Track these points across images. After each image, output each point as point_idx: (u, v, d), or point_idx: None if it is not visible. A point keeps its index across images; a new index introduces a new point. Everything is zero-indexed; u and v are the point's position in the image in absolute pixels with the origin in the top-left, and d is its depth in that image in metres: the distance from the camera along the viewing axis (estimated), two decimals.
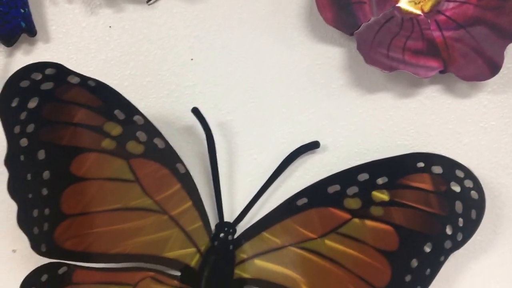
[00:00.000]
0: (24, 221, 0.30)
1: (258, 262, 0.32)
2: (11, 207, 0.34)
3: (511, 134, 0.33)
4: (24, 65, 0.30)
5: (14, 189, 0.29)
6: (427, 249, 0.30)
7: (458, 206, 0.30)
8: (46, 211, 0.30)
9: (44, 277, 0.30)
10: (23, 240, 0.34)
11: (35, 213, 0.30)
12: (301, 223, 0.32)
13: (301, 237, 0.32)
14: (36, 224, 0.30)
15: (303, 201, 0.32)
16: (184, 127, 0.34)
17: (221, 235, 0.32)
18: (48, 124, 0.30)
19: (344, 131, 0.34)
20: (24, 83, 0.30)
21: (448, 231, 0.30)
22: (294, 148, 0.33)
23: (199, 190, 0.32)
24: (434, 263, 0.30)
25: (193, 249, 0.32)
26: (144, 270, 0.32)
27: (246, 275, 0.33)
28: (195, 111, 0.33)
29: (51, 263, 0.31)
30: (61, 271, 0.31)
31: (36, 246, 0.30)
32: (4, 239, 0.34)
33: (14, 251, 0.34)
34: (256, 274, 0.32)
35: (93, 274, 0.31)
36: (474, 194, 0.30)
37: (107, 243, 0.31)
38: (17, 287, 0.32)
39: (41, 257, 0.32)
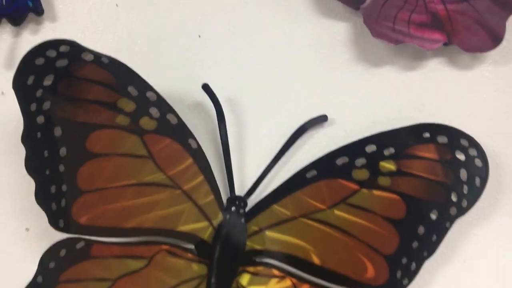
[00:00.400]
0: (42, 198, 0.30)
1: (269, 233, 0.33)
2: (23, 186, 0.35)
3: None
4: (36, 43, 0.30)
5: (31, 166, 0.30)
6: (433, 216, 0.32)
7: (463, 174, 0.31)
8: (63, 187, 0.30)
9: (62, 252, 0.31)
10: (36, 219, 0.35)
11: (53, 189, 0.30)
12: (310, 194, 0.33)
13: (311, 208, 0.33)
14: (54, 200, 0.30)
15: (312, 173, 0.33)
16: (194, 104, 0.35)
17: (233, 208, 0.33)
18: (63, 101, 0.30)
19: (350, 104, 0.35)
20: (39, 61, 0.30)
21: (453, 198, 0.31)
22: (302, 123, 0.34)
23: (210, 166, 0.33)
24: (440, 230, 0.32)
25: (206, 223, 0.33)
26: (159, 243, 0.33)
27: (258, 247, 0.34)
28: (206, 88, 0.33)
29: (69, 238, 0.31)
30: (79, 245, 0.31)
31: (54, 222, 0.31)
32: (17, 218, 0.35)
33: (27, 229, 0.35)
34: (268, 245, 0.33)
35: (110, 248, 0.32)
36: (478, 162, 0.31)
37: (123, 218, 0.32)
38: (32, 265, 0.33)
39: (54, 235, 0.33)
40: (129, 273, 0.32)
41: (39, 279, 0.30)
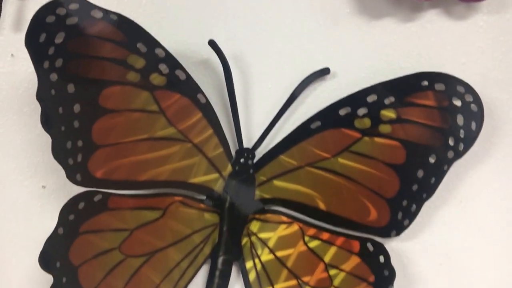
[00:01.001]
0: (59, 153, 0.31)
1: (277, 183, 0.35)
2: (38, 146, 0.36)
3: (505, 52, 0.36)
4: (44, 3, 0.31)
5: (47, 123, 0.31)
6: (432, 160, 0.33)
7: (460, 119, 0.33)
8: (79, 142, 0.32)
9: (81, 205, 0.32)
10: (52, 177, 0.37)
11: (69, 144, 0.31)
12: (315, 144, 0.34)
13: (316, 157, 0.34)
14: (70, 155, 0.31)
15: (316, 124, 0.34)
16: (200, 60, 0.36)
17: (241, 160, 0.35)
18: (75, 58, 0.31)
19: (351, 57, 0.36)
20: (50, 19, 0.30)
21: (451, 142, 0.33)
22: (305, 76, 0.35)
23: (219, 120, 0.34)
24: (438, 172, 0.34)
25: (216, 175, 0.35)
26: (173, 195, 0.34)
27: (266, 196, 0.35)
28: (212, 44, 0.34)
29: (87, 191, 0.33)
30: (96, 198, 0.33)
31: (71, 176, 0.32)
32: (34, 176, 0.36)
33: (43, 187, 0.36)
34: (276, 194, 0.35)
35: (126, 200, 0.33)
36: (473, 107, 0.33)
37: (137, 171, 0.33)
38: (49, 221, 0.34)
39: (69, 192, 0.34)
40: (145, 223, 0.34)
41: (60, 230, 0.32)
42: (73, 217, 0.32)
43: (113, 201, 0.33)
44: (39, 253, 0.33)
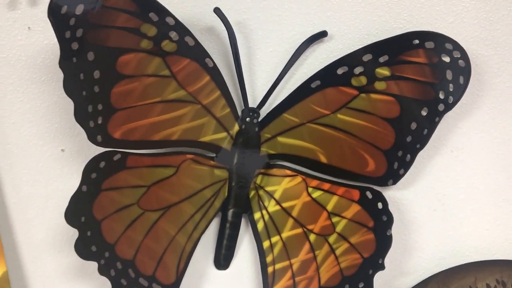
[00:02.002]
0: (81, 117, 0.34)
1: (281, 139, 0.38)
2: (56, 111, 0.39)
3: (488, 11, 0.38)
4: None
5: (69, 88, 0.33)
6: (424, 113, 0.36)
7: (448, 74, 0.36)
8: (99, 106, 0.34)
9: (102, 164, 0.35)
10: (70, 141, 0.39)
11: (90, 108, 0.34)
12: (315, 102, 0.37)
13: (317, 114, 0.37)
14: (91, 118, 0.34)
15: (316, 83, 0.37)
16: (205, 28, 0.38)
17: (247, 119, 0.37)
18: (94, 28, 0.33)
19: (347, 20, 0.38)
20: None
21: (441, 96, 0.36)
22: (304, 39, 0.38)
23: (226, 82, 0.37)
24: (430, 124, 0.36)
25: (224, 133, 0.37)
26: (185, 153, 0.37)
27: (271, 151, 0.38)
28: (217, 11, 0.36)
29: (107, 151, 0.35)
30: (115, 158, 0.35)
31: (92, 138, 0.34)
32: (53, 141, 0.38)
33: (63, 150, 0.39)
34: (280, 149, 0.38)
35: (143, 159, 0.36)
36: (461, 62, 0.36)
37: (152, 131, 0.35)
38: (68, 182, 0.38)
39: (87, 155, 0.37)
40: (160, 180, 0.36)
41: (84, 188, 0.34)
42: (95, 176, 0.34)
43: (131, 160, 0.36)
44: (59, 212, 0.36)
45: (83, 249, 0.34)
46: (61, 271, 0.39)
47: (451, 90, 0.36)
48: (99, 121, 0.34)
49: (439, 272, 0.38)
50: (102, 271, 0.35)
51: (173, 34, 0.35)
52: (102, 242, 0.35)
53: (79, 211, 0.34)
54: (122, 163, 0.35)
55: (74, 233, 0.36)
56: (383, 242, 0.36)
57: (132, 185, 0.36)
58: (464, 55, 0.35)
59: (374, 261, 0.36)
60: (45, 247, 0.39)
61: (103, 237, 0.35)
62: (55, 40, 0.33)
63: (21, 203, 0.39)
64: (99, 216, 0.35)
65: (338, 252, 0.37)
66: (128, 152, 0.36)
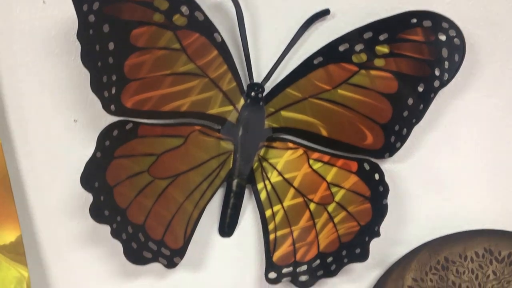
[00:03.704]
0: (96, 86, 0.35)
1: (284, 113, 0.39)
2: (69, 83, 0.40)
3: None
4: None
5: (86, 59, 0.35)
6: (420, 89, 0.38)
7: (444, 52, 0.37)
8: (113, 77, 0.35)
9: (115, 132, 0.36)
10: (83, 111, 0.41)
11: (105, 79, 0.35)
12: (317, 78, 0.39)
13: (318, 90, 0.39)
14: (106, 88, 0.35)
15: (318, 59, 0.38)
16: (214, 4, 0.39)
17: (252, 94, 0.39)
18: (110, 1, 0.35)
19: None
20: None
21: (437, 72, 0.38)
22: (308, 17, 0.39)
23: (233, 57, 0.38)
24: (426, 100, 0.38)
25: (230, 107, 0.39)
26: (193, 125, 0.39)
27: (275, 125, 0.40)
28: None
29: (120, 120, 0.37)
30: (128, 126, 0.37)
31: (106, 107, 0.36)
32: (66, 111, 0.40)
33: (75, 121, 0.40)
34: (283, 123, 0.40)
35: (154, 128, 0.38)
36: (456, 41, 0.37)
37: (162, 103, 0.37)
38: (80, 152, 0.39)
39: (99, 125, 0.38)
40: (169, 149, 0.38)
41: (98, 154, 0.36)
42: (108, 143, 0.36)
43: (142, 130, 0.37)
44: (71, 180, 0.38)
45: (97, 213, 0.36)
46: (72, 237, 0.41)
47: (446, 67, 0.37)
48: (113, 91, 0.36)
49: (430, 240, 0.40)
50: (115, 234, 0.37)
51: (184, 9, 0.36)
52: (115, 207, 0.37)
53: (93, 176, 0.36)
54: (134, 132, 0.37)
55: (85, 201, 0.38)
56: (379, 211, 0.39)
57: (143, 154, 0.37)
58: (459, 34, 0.37)
59: (371, 229, 0.39)
60: (57, 213, 0.41)
61: (116, 202, 0.37)
62: (69, 13, 0.35)
63: (35, 171, 0.40)
64: (112, 182, 0.36)
65: (336, 220, 0.39)
66: (140, 122, 0.37)
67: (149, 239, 0.38)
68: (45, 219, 0.41)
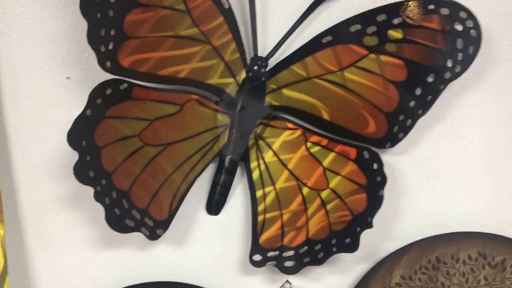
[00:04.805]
0: (93, 39, 0.33)
1: (285, 91, 0.38)
2: (63, 38, 0.38)
3: None
4: None
5: (85, 8, 0.33)
6: (430, 79, 0.36)
7: (459, 42, 0.36)
8: (112, 31, 0.34)
9: (108, 91, 0.35)
10: (77, 69, 0.39)
11: (102, 32, 0.33)
12: (324, 58, 0.37)
13: (324, 70, 0.37)
14: (103, 42, 0.34)
15: (327, 38, 0.37)
16: None
17: (255, 67, 0.38)
18: None
19: None
20: None
21: (449, 64, 0.36)
22: None
23: (238, 27, 0.36)
24: (435, 91, 0.37)
25: (231, 79, 0.38)
26: (190, 93, 0.37)
27: (275, 103, 0.38)
28: None
29: (114, 79, 0.35)
30: (122, 86, 0.35)
31: (101, 63, 0.34)
32: (59, 67, 0.38)
33: (68, 78, 0.38)
34: (284, 102, 0.38)
35: (149, 92, 0.36)
36: (473, 32, 0.36)
37: (160, 66, 0.35)
38: (71, 110, 0.37)
39: (93, 83, 0.36)
40: (163, 116, 0.36)
41: (88, 112, 0.34)
42: (100, 101, 0.35)
43: (137, 92, 0.36)
44: (59, 139, 0.36)
45: (81, 172, 0.35)
46: (54, 198, 0.39)
47: (459, 59, 0.36)
48: (110, 47, 0.34)
49: (423, 238, 0.39)
50: (98, 197, 0.35)
51: None
52: (100, 169, 0.35)
53: (81, 134, 0.34)
54: (128, 93, 0.35)
55: (70, 162, 0.36)
56: (374, 202, 0.37)
57: (136, 117, 0.36)
58: (477, 26, 0.36)
59: (363, 219, 0.37)
60: (40, 172, 0.39)
61: (102, 165, 0.35)
62: None
63: (21, 126, 0.39)
64: (100, 143, 0.35)
65: (329, 207, 0.38)
66: (135, 84, 0.36)
67: (133, 207, 0.36)
68: (27, 176, 0.39)
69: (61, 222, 0.39)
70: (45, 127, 0.39)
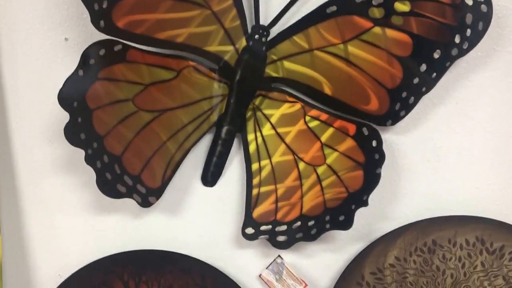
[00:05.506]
0: None
1: (287, 63, 0.37)
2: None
3: None
4: None
5: None
6: (436, 55, 0.35)
7: (469, 17, 0.34)
8: None
9: (102, 51, 0.34)
10: (75, 30, 0.38)
11: None
12: (328, 29, 0.36)
13: (327, 42, 0.36)
14: (97, 0, 0.33)
15: (332, 9, 0.36)
16: None
17: (256, 36, 0.36)
18: None
19: None
20: None
21: (457, 39, 0.35)
22: None
23: None
24: (440, 68, 0.35)
25: (230, 47, 0.36)
26: (188, 59, 0.36)
27: (275, 74, 0.37)
28: None
29: (108, 39, 0.34)
30: (116, 48, 0.34)
31: (95, 22, 0.33)
32: (57, 28, 0.38)
33: (66, 39, 0.38)
34: (285, 74, 0.37)
35: (144, 55, 0.35)
36: (483, 7, 0.34)
37: (157, 28, 0.34)
38: (69, 72, 0.35)
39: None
40: (159, 81, 0.36)
41: (80, 72, 0.34)
42: (93, 62, 0.34)
43: (131, 54, 0.35)
44: (56, 102, 0.34)
45: (72, 134, 0.34)
46: (49, 161, 0.39)
47: (468, 35, 0.34)
48: (104, 5, 0.33)
49: (420, 220, 0.38)
50: (89, 160, 0.35)
51: None
52: (92, 132, 0.34)
53: (72, 95, 0.34)
54: (122, 55, 0.35)
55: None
56: (371, 179, 0.36)
57: (130, 81, 0.35)
58: (488, 0, 0.34)
59: (359, 197, 0.36)
60: (37, 134, 0.39)
61: (93, 127, 0.34)
62: None
63: (18, 88, 0.38)
64: (92, 105, 0.34)
65: (324, 183, 0.37)
66: (130, 46, 0.35)
67: (125, 172, 0.36)
68: (24, 138, 0.39)
69: (56, 185, 0.39)
70: (42, 89, 0.38)
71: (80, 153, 0.35)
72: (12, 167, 0.39)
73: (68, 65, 0.38)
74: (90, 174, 0.36)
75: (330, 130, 0.37)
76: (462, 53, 0.35)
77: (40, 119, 0.38)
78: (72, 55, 0.38)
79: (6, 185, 0.39)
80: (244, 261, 0.40)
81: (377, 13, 0.35)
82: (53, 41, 0.38)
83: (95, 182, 0.36)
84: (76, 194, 0.39)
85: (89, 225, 0.40)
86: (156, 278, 0.38)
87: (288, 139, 0.37)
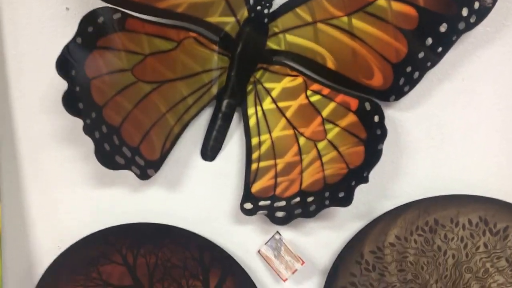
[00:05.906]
0: None
1: (289, 36, 0.36)
2: None
3: None
4: None
5: None
6: (442, 29, 0.34)
7: None
8: None
9: (100, 19, 0.34)
10: (76, 0, 0.39)
11: None
12: (331, 1, 0.35)
13: (330, 14, 0.35)
14: None
15: None
16: None
17: (258, 7, 0.36)
18: None
19: None
20: None
21: (464, 13, 0.34)
22: None
23: None
24: (446, 42, 0.34)
25: (232, 18, 0.36)
26: (188, 30, 0.36)
27: (276, 47, 0.37)
28: None
29: (107, 7, 0.34)
30: (115, 16, 0.34)
31: None
32: None
33: (67, 9, 0.38)
34: (287, 47, 0.36)
35: (144, 25, 0.35)
36: None
37: None
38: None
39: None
40: (158, 52, 0.35)
41: (78, 40, 0.33)
42: (92, 30, 0.33)
43: (130, 23, 0.34)
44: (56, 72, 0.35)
45: (70, 103, 0.34)
46: (49, 132, 0.39)
47: (475, 8, 0.33)
48: None
49: (422, 199, 0.37)
50: (87, 131, 0.34)
51: None
52: (90, 102, 0.34)
53: (70, 63, 0.33)
54: (121, 23, 0.34)
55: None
56: (372, 156, 0.35)
57: (129, 50, 0.34)
58: None
59: (359, 173, 0.36)
60: (37, 105, 0.39)
61: (92, 97, 0.34)
62: None
63: (19, 57, 0.38)
64: (90, 74, 0.34)
65: (325, 159, 0.36)
66: (129, 14, 0.34)
67: (124, 144, 0.35)
68: (24, 109, 0.39)
69: (56, 157, 0.39)
70: (42, 59, 0.38)
71: (80, 125, 0.34)
72: (12, 137, 0.39)
73: (69, 34, 0.37)
74: (90, 146, 0.35)
75: (332, 105, 0.36)
76: (469, 27, 0.34)
77: (40, 89, 0.38)
78: (73, 26, 0.36)
79: (7, 156, 0.39)
80: (243, 236, 0.39)
81: None
82: (54, 11, 0.37)
83: (94, 157, 0.35)
84: (76, 166, 0.39)
85: (89, 197, 0.39)
86: (154, 251, 0.38)
87: (288, 114, 0.37)
